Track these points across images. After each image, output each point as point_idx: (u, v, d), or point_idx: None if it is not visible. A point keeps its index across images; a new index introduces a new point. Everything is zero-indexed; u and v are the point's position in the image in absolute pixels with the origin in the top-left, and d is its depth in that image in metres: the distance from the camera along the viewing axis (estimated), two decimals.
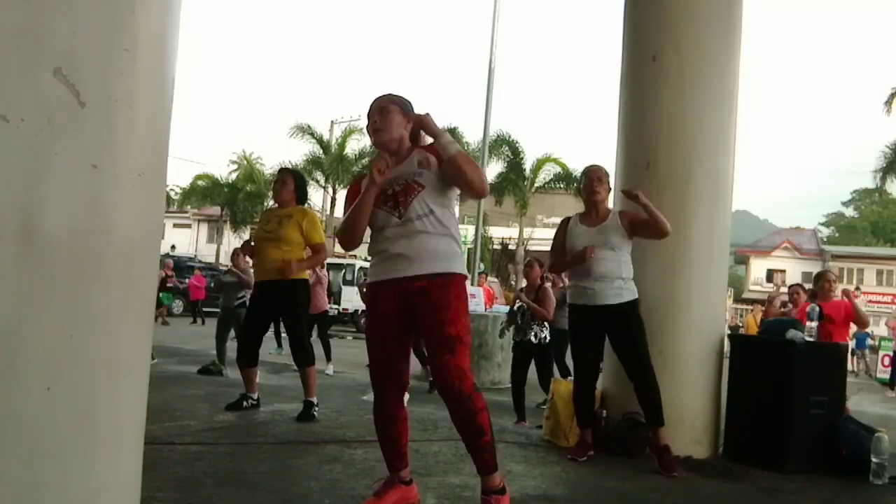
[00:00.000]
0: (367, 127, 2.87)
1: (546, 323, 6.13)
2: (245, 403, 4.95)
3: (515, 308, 6.35)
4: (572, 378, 4.48)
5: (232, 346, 7.82)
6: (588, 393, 4.25)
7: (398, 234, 2.70)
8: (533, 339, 6.03)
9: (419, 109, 2.90)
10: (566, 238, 4.23)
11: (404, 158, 2.82)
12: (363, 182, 2.80)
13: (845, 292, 6.12)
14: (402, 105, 2.87)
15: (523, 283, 6.93)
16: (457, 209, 2.92)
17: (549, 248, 4.50)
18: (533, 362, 6.33)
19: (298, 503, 2.85)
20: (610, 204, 4.33)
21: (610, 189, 4.24)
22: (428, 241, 2.68)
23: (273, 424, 4.54)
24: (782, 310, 8.42)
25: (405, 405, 2.87)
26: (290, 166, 25.13)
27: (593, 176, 4.20)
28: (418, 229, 2.67)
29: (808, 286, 7.17)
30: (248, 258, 8.18)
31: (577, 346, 4.28)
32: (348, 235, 2.82)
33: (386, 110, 2.83)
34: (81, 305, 1.64)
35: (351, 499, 2.92)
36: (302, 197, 5.01)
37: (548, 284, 6.39)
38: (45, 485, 1.59)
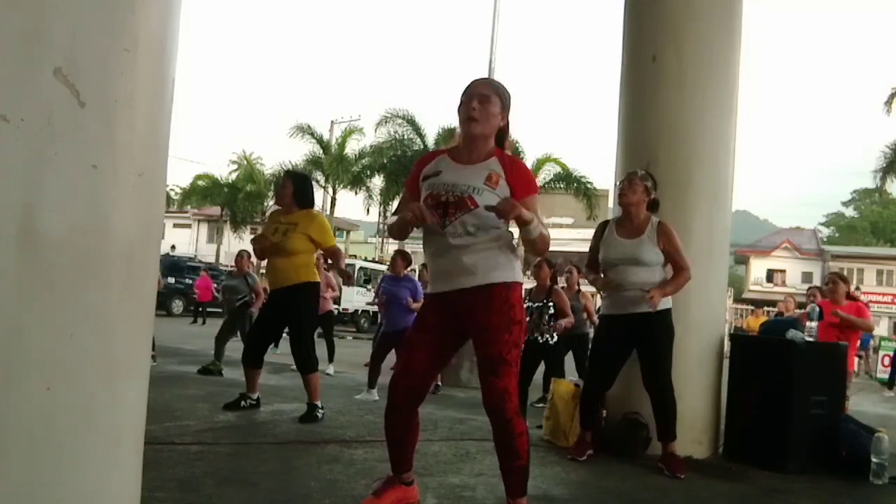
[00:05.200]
0: (461, 109, 2.63)
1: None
2: (243, 403, 4.95)
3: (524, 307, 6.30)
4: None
5: (232, 346, 7.84)
6: (598, 398, 4.23)
7: (442, 246, 2.62)
8: (540, 338, 5.99)
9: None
10: (600, 246, 4.14)
11: (481, 159, 2.64)
12: (424, 170, 2.71)
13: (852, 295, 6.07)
14: (504, 98, 2.67)
15: (527, 284, 6.88)
16: None
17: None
18: (543, 362, 6.29)
19: (298, 503, 2.85)
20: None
21: (648, 192, 4.03)
22: (469, 256, 2.57)
23: (273, 424, 4.54)
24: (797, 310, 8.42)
25: (419, 414, 2.78)
26: (290, 166, 25.25)
27: (624, 179, 4.10)
28: (459, 244, 2.57)
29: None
30: (251, 261, 8.20)
31: (601, 350, 4.22)
32: (394, 237, 2.88)
33: (487, 99, 2.61)
34: (81, 305, 1.64)
35: (351, 499, 2.92)
36: (304, 199, 4.90)
37: (559, 286, 6.32)
38: (45, 484, 1.59)
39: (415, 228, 2.73)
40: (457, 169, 2.65)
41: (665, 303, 3.98)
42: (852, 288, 6.71)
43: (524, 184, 2.64)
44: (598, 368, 4.22)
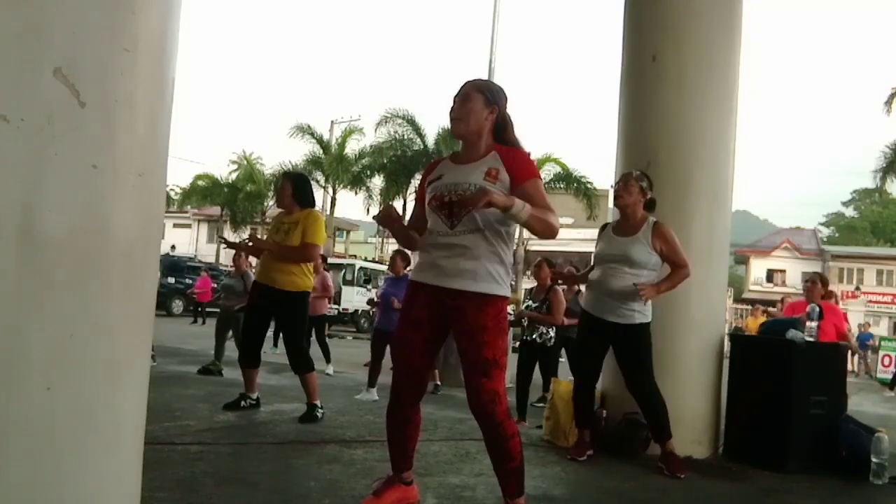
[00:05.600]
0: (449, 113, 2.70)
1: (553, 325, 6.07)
2: (243, 403, 4.95)
3: (524, 307, 6.30)
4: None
5: (231, 346, 7.84)
6: (588, 394, 4.23)
7: (446, 242, 2.60)
8: (538, 339, 5.99)
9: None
10: (598, 244, 4.15)
11: (479, 157, 2.65)
12: (428, 177, 2.76)
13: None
14: (488, 93, 2.67)
15: (524, 284, 6.88)
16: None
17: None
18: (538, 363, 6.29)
19: (298, 503, 2.85)
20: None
21: (643, 192, 4.02)
22: (471, 260, 2.55)
23: (273, 424, 4.54)
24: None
25: (420, 409, 2.79)
26: (290, 166, 25.26)
27: (619, 181, 4.10)
28: (465, 244, 2.56)
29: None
30: (249, 261, 8.18)
31: (582, 350, 4.24)
32: (406, 248, 3.04)
33: (467, 98, 2.64)
34: (81, 305, 1.64)
35: (351, 499, 2.92)
36: (304, 199, 4.91)
37: (560, 287, 6.32)
38: (45, 485, 1.59)
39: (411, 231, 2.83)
40: (456, 169, 2.67)
41: (644, 315, 3.95)
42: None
43: (522, 170, 2.61)
44: (582, 362, 4.24)
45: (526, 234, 27.41)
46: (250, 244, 5.47)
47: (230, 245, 5.53)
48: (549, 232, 2.61)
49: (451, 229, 2.59)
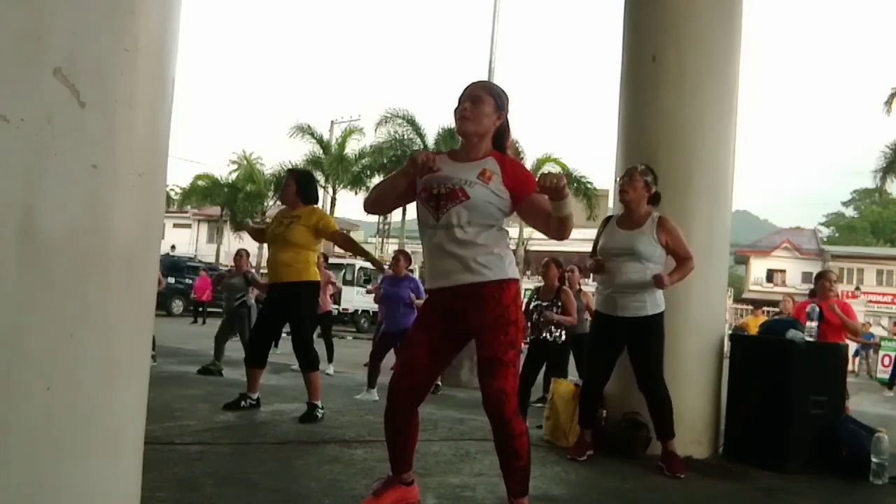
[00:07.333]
0: (455, 111, 2.71)
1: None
2: (243, 403, 4.95)
3: (532, 307, 6.28)
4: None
5: (231, 346, 7.84)
6: (596, 396, 4.24)
7: (437, 240, 2.61)
8: (549, 337, 5.97)
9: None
10: (601, 238, 4.15)
11: (477, 157, 2.67)
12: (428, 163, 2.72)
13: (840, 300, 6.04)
14: (498, 98, 2.71)
15: (524, 284, 6.83)
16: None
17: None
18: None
19: (298, 503, 2.85)
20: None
21: (648, 186, 4.02)
22: (460, 251, 2.56)
23: (273, 424, 4.54)
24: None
25: (418, 413, 2.77)
26: (290, 166, 25.23)
27: (624, 175, 4.11)
28: (454, 237, 2.56)
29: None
30: (250, 260, 8.20)
31: (594, 350, 4.24)
32: (373, 201, 2.86)
33: (479, 100, 2.68)
34: (81, 305, 1.64)
35: (351, 499, 2.92)
36: (308, 195, 4.95)
37: (567, 287, 6.30)
38: (45, 485, 1.59)
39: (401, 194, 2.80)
40: (453, 165, 2.68)
41: (657, 306, 3.97)
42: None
43: (527, 180, 2.65)
44: (593, 365, 4.23)
45: (525, 234, 27.44)
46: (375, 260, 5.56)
47: (373, 259, 5.56)
48: (567, 231, 2.63)
49: (437, 221, 2.60)
